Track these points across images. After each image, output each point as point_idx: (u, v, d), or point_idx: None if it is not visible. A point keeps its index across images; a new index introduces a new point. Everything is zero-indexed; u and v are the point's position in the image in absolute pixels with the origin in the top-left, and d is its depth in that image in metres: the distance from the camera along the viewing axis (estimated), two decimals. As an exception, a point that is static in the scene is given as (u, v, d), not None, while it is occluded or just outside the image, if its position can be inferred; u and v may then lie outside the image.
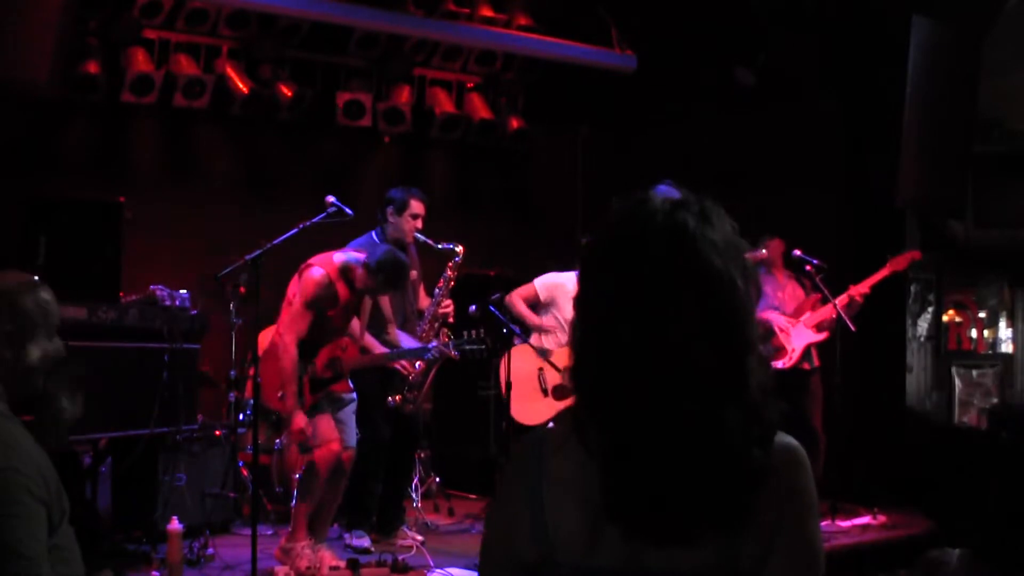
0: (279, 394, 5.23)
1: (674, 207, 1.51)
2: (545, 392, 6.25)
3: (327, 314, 5.31)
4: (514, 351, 6.19)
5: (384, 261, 5.26)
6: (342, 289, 5.31)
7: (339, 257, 5.37)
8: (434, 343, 5.77)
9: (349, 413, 5.45)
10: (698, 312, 1.45)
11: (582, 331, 1.53)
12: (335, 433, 5.26)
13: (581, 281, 1.57)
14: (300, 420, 5.14)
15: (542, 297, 6.42)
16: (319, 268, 5.27)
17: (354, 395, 5.51)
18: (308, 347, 5.31)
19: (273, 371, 5.26)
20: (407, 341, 5.90)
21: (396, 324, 6.02)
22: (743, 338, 1.48)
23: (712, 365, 1.45)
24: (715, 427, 1.44)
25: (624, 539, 1.47)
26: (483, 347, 5.65)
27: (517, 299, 6.42)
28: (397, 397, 5.92)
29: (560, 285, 6.35)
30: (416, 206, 5.98)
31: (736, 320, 1.47)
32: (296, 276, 5.35)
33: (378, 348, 5.77)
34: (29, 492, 2.30)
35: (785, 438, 1.52)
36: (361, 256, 5.34)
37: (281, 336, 5.19)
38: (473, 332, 5.75)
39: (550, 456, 1.55)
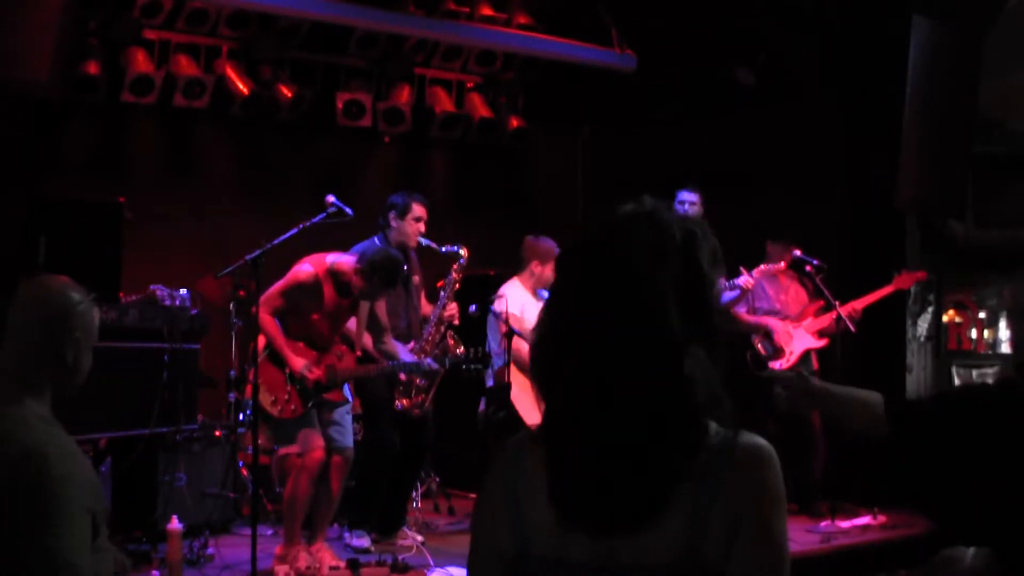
0: (271, 398, 5.25)
1: (631, 220, 1.57)
2: None
3: (310, 316, 5.32)
4: (514, 371, 6.22)
5: (377, 261, 5.27)
6: (328, 292, 5.31)
7: (331, 258, 5.37)
8: (428, 359, 5.78)
9: (343, 413, 5.46)
10: (643, 320, 1.51)
11: (543, 334, 1.61)
12: (320, 441, 5.29)
13: (554, 285, 1.65)
14: (298, 363, 5.25)
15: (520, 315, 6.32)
16: (308, 265, 5.33)
17: (349, 397, 5.53)
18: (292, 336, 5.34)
19: (274, 375, 5.28)
20: (403, 352, 5.88)
21: (399, 330, 6.01)
22: (685, 345, 1.52)
23: (655, 370, 1.50)
24: (652, 427, 1.50)
25: (560, 526, 1.53)
26: (479, 366, 5.67)
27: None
28: (405, 401, 5.92)
29: (515, 299, 6.28)
30: (418, 209, 5.99)
31: (682, 329, 1.52)
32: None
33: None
34: (80, 502, 2.35)
35: (752, 437, 1.56)
36: (352, 259, 5.34)
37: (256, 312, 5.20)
38: (473, 350, 5.77)
39: (529, 453, 1.60)
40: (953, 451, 2.88)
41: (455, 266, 6.12)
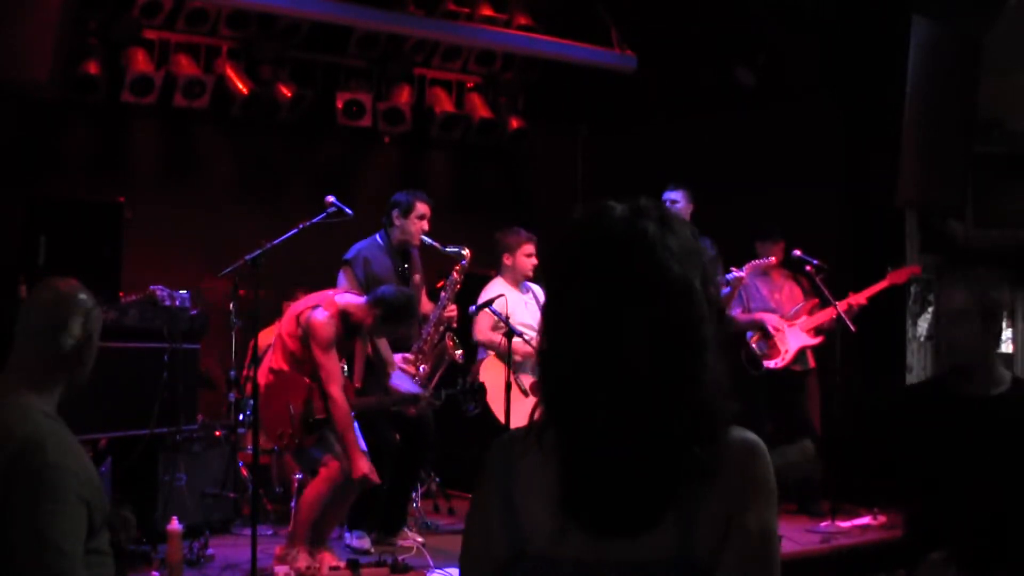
0: (278, 432, 5.23)
1: (634, 214, 1.56)
2: (525, 393, 6.21)
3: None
4: (481, 367, 6.32)
5: (395, 303, 5.24)
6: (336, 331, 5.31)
7: (340, 300, 5.31)
8: (423, 390, 5.81)
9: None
10: (655, 317, 1.51)
11: (547, 337, 1.59)
12: (339, 451, 5.28)
13: (546, 289, 1.64)
14: (363, 465, 5.13)
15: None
16: (322, 311, 5.22)
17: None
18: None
19: (275, 410, 5.23)
20: (405, 383, 5.87)
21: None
22: (698, 340, 1.53)
23: (666, 367, 1.50)
24: (665, 426, 1.50)
25: (582, 531, 1.52)
26: (473, 404, 5.68)
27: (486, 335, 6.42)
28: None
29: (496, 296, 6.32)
30: (422, 207, 5.98)
31: (692, 324, 1.52)
32: (289, 317, 5.32)
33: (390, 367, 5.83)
34: (75, 491, 2.38)
35: (743, 432, 1.57)
36: (361, 300, 5.31)
37: (328, 392, 5.13)
38: (468, 381, 5.79)
39: (519, 456, 1.61)
40: (873, 459, 2.96)
41: (457, 267, 6.11)
